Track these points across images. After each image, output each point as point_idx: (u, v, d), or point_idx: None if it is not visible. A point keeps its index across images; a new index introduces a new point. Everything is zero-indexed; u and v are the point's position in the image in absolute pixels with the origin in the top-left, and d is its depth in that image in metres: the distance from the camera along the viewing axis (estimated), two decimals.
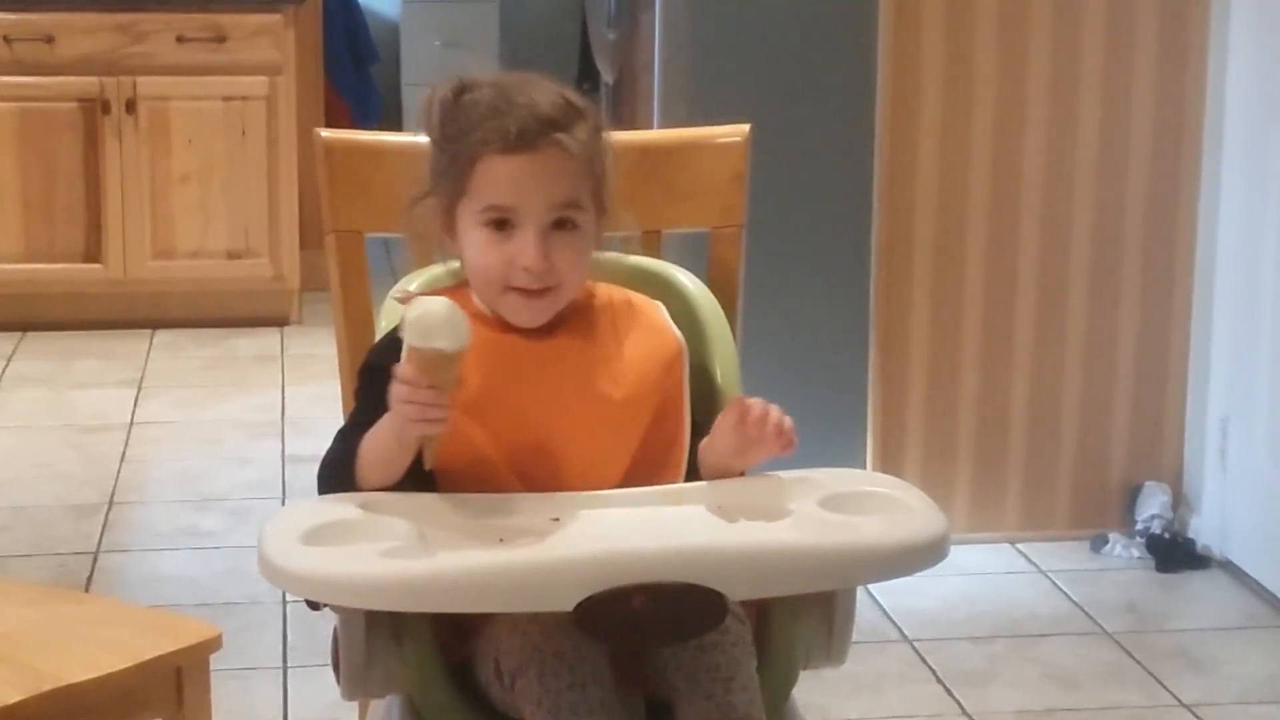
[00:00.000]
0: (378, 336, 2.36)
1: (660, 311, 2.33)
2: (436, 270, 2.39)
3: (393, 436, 2.14)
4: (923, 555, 2.08)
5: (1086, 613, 3.93)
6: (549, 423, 2.20)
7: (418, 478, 2.17)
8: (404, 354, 2.08)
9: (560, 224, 2.22)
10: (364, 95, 7.37)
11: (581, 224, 2.23)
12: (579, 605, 1.95)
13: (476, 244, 2.22)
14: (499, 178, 2.20)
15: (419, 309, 2.08)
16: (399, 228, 2.36)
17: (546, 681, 2.08)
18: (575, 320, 2.27)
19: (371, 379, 2.21)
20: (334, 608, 2.12)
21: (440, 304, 2.08)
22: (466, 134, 2.21)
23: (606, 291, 2.32)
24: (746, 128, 2.58)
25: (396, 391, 2.09)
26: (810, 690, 2.22)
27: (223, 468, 4.84)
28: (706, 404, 2.32)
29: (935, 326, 4.19)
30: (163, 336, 6.10)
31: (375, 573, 1.98)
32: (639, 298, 2.33)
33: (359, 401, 2.25)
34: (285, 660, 3.67)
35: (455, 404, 2.15)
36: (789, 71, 4.19)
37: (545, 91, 2.22)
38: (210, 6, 6.08)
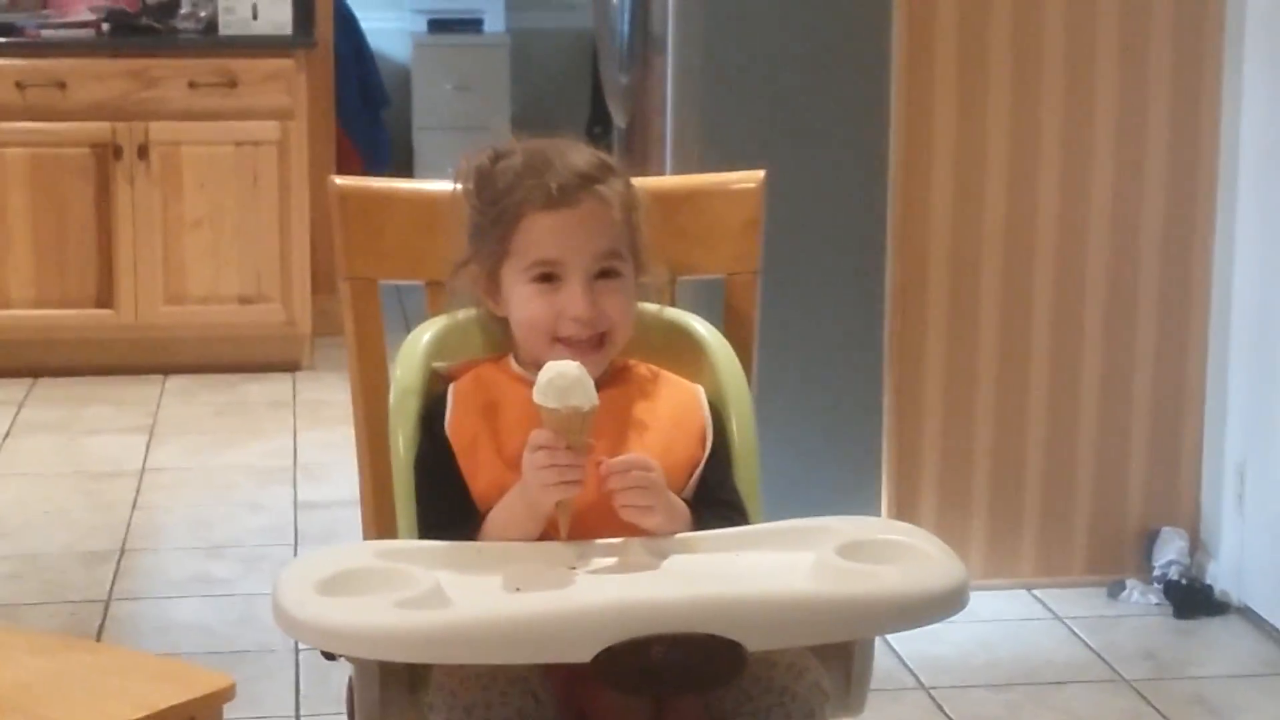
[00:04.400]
0: (392, 384, 2.36)
1: (698, 394, 2.35)
2: (455, 319, 2.39)
3: (525, 510, 2.17)
4: (943, 604, 2.07)
5: (1104, 660, 3.91)
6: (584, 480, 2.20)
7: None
8: (542, 418, 2.13)
9: (604, 274, 2.27)
10: (375, 139, 7.38)
11: (624, 273, 2.30)
12: (597, 656, 1.94)
13: (523, 300, 2.27)
14: (543, 233, 2.26)
15: (552, 371, 2.13)
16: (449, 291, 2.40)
17: None
18: (613, 385, 2.29)
19: (431, 469, 2.26)
20: (349, 658, 2.11)
21: (570, 365, 2.14)
22: (506, 196, 2.27)
23: (643, 365, 2.36)
24: (761, 174, 2.58)
25: (535, 459, 2.13)
26: None
27: (235, 514, 4.83)
28: (722, 454, 2.33)
29: (950, 372, 4.18)
30: (174, 382, 6.09)
31: (391, 624, 1.97)
32: (674, 376, 2.36)
33: (425, 495, 2.27)
34: (298, 709, 3.66)
35: (501, 459, 2.18)
36: (801, 115, 4.19)
37: (578, 150, 2.31)
38: (222, 52, 6.09)
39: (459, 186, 2.34)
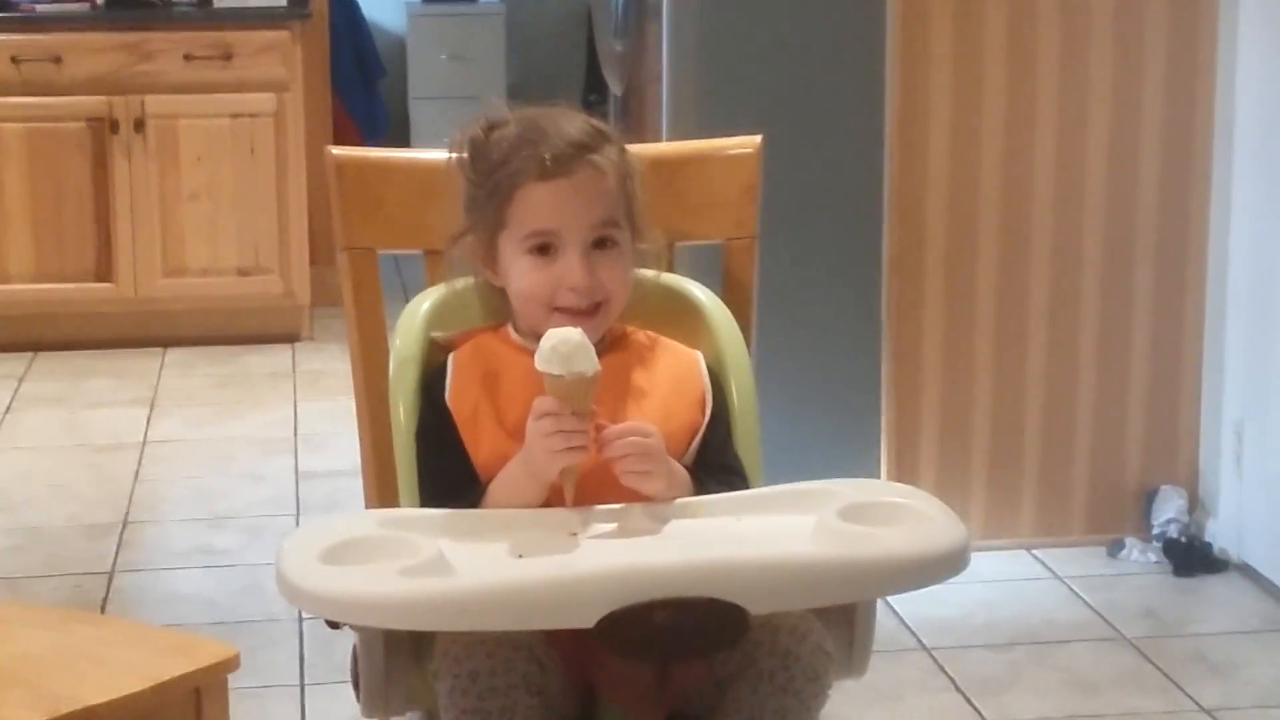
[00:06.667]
0: (391, 353, 2.36)
1: (697, 359, 2.35)
2: (454, 288, 2.40)
3: (528, 478, 2.18)
4: (944, 565, 2.08)
5: (1104, 618, 3.92)
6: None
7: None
8: (545, 385, 2.13)
9: (600, 243, 2.28)
10: (371, 110, 7.37)
11: (621, 241, 2.30)
12: (600, 622, 1.95)
13: (521, 271, 2.27)
14: (539, 203, 2.26)
15: (554, 338, 2.14)
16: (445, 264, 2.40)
17: (454, 697, 2.10)
18: (612, 352, 2.30)
19: (432, 439, 2.26)
20: (353, 626, 2.12)
21: (573, 331, 2.14)
22: (501, 166, 2.27)
23: (641, 331, 2.36)
24: (758, 139, 2.58)
25: (541, 425, 2.13)
26: (829, 701, 2.21)
27: (236, 485, 4.84)
28: (722, 419, 2.33)
29: (948, 335, 4.19)
30: (174, 355, 6.10)
31: (394, 592, 1.98)
32: (673, 342, 2.37)
33: (427, 465, 2.28)
34: (302, 678, 3.67)
35: (502, 428, 2.19)
36: (797, 81, 4.19)
37: (572, 119, 2.30)
38: (217, 24, 6.08)
39: (453, 157, 2.34)
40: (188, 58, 6.04)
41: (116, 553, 4.35)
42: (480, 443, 2.24)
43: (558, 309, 2.26)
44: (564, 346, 2.13)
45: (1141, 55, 4.14)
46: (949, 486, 4.15)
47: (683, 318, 2.41)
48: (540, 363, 2.13)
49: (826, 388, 4.25)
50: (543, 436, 2.14)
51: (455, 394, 2.27)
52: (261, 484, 4.84)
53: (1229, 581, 4.13)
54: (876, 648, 2.34)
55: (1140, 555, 4.20)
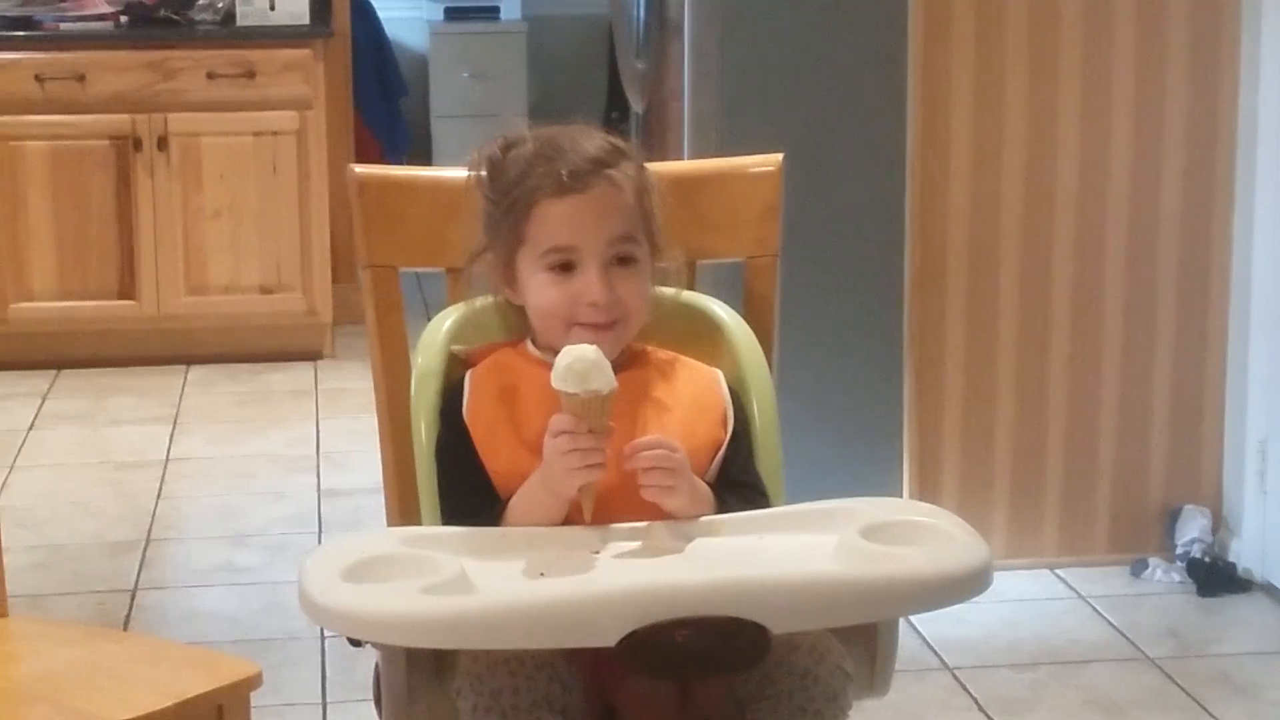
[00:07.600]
0: (413, 370, 2.37)
1: (717, 377, 2.35)
2: (474, 307, 2.40)
3: (547, 495, 2.18)
4: (967, 585, 2.07)
5: (1128, 638, 3.91)
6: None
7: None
8: (562, 403, 2.13)
9: (619, 259, 2.27)
10: (393, 128, 7.39)
11: (640, 257, 2.29)
12: (622, 640, 1.95)
13: (540, 287, 2.27)
14: (556, 220, 2.25)
15: (570, 356, 2.13)
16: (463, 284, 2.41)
17: (477, 715, 2.10)
18: (632, 369, 2.30)
19: (450, 456, 2.26)
20: (375, 644, 2.12)
21: (589, 349, 2.14)
22: (519, 184, 2.27)
23: (660, 350, 2.36)
24: (779, 157, 2.58)
25: (557, 444, 2.13)
26: None
27: (258, 503, 4.84)
28: (744, 437, 2.33)
29: (970, 353, 4.18)
30: (197, 372, 6.11)
31: (417, 610, 1.98)
32: (693, 360, 2.37)
33: (446, 482, 2.28)
34: (324, 696, 3.67)
35: (521, 442, 2.19)
36: (818, 99, 4.19)
37: (589, 136, 2.30)
38: (240, 42, 6.10)
39: (472, 175, 2.34)
40: (211, 76, 6.05)
41: (139, 570, 4.35)
42: (498, 457, 2.24)
43: (577, 324, 2.26)
44: (579, 364, 2.12)
45: (1164, 72, 4.13)
46: (971, 505, 4.14)
47: (704, 336, 2.41)
48: (556, 381, 2.13)
49: (848, 406, 4.25)
50: (560, 454, 2.14)
51: (472, 410, 2.27)
52: (284, 502, 4.85)
53: (1253, 602, 4.11)
54: (899, 667, 2.33)
55: (1164, 575, 4.19)
